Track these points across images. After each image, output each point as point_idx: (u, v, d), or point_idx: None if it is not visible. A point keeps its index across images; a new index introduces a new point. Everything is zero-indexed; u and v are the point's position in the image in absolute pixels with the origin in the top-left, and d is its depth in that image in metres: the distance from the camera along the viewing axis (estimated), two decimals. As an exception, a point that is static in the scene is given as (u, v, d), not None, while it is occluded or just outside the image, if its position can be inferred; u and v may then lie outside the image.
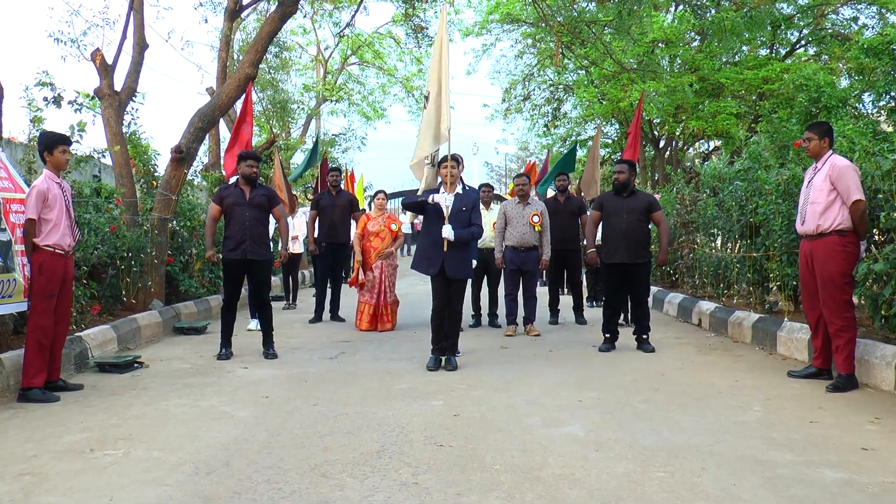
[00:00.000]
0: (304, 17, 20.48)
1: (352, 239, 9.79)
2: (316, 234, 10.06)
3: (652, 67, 15.02)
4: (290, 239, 7.72)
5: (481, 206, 8.86)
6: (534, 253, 8.69)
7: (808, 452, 3.97)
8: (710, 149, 24.32)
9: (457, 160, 6.63)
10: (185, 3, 22.93)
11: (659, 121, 18.38)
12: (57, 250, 5.47)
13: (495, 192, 9.13)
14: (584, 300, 10.29)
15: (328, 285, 9.96)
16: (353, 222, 10.16)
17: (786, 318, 7.31)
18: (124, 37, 9.80)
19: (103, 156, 9.22)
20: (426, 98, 7.12)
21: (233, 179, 7.84)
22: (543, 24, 14.24)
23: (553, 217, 9.11)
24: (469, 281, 7.14)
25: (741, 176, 8.85)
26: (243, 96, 10.06)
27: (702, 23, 13.92)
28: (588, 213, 9.15)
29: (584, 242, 8.46)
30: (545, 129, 26.14)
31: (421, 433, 4.28)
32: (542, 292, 9.53)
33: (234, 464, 3.78)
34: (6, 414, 4.90)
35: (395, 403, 5.10)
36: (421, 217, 6.97)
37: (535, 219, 8.59)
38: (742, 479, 3.54)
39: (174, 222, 10.04)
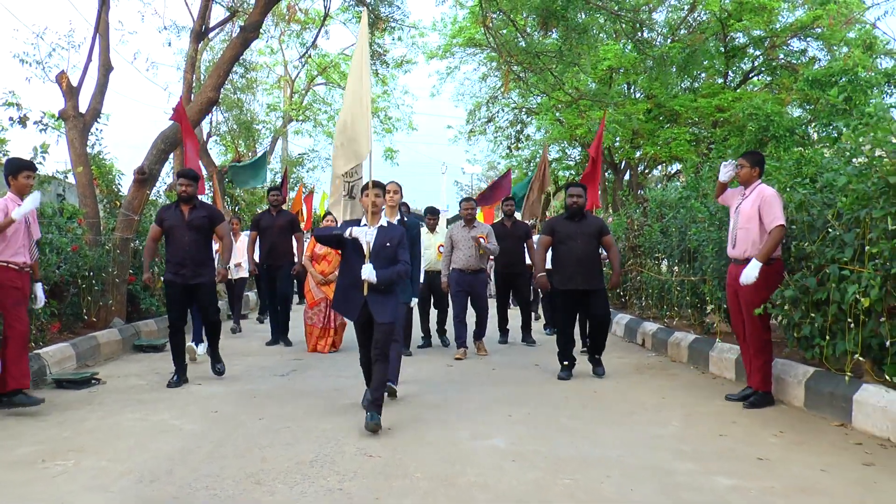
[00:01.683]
0: (271, 38, 20.90)
1: (296, 259, 9.87)
2: (256, 256, 9.98)
3: (602, 96, 15.52)
4: (231, 259, 7.48)
5: (424, 229, 9.09)
6: (481, 275, 8.93)
7: (709, 463, 4.35)
8: (674, 171, 24.96)
9: (382, 187, 5.78)
10: (150, 26, 23.17)
11: (617, 145, 18.89)
12: (11, 266, 5.73)
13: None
14: (534, 322, 10.54)
15: (278, 307, 9.78)
16: (294, 242, 10.09)
17: (718, 339, 7.71)
18: (89, 59, 10.06)
19: (66, 177, 9.46)
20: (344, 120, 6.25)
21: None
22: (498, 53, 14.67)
23: (500, 241, 9.33)
24: (416, 303, 7.00)
25: (682, 203, 9.30)
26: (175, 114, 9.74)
27: (642, 57, 14.46)
28: (535, 237, 9.56)
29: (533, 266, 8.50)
30: (508, 150, 26.59)
31: (354, 445, 4.61)
32: (492, 313, 9.72)
33: (176, 472, 4.08)
34: None
35: (336, 418, 5.42)
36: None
37: (482, 241, 8.76)
38: (641, 485, 3.91)
39: (136, 241, 10.27)
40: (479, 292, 8.93)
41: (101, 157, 10.61)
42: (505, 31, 11.14)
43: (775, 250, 5.85)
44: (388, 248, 5.51)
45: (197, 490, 3.77)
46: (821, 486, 3.92)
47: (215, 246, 8.07)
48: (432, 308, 9.67)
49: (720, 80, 19.91)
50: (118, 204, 10.33)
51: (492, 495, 3.71)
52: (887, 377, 5.10)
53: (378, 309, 5.41)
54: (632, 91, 19.70)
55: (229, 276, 10.26)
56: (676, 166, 24.13)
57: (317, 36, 14.96)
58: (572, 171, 24.66)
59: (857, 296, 5.06)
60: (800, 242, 5.98)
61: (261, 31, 10.73)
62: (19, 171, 5.90)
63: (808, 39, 18.75)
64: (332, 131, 26.22)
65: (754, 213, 5.92)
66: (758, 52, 20.01)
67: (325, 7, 12.92)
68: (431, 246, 9.31)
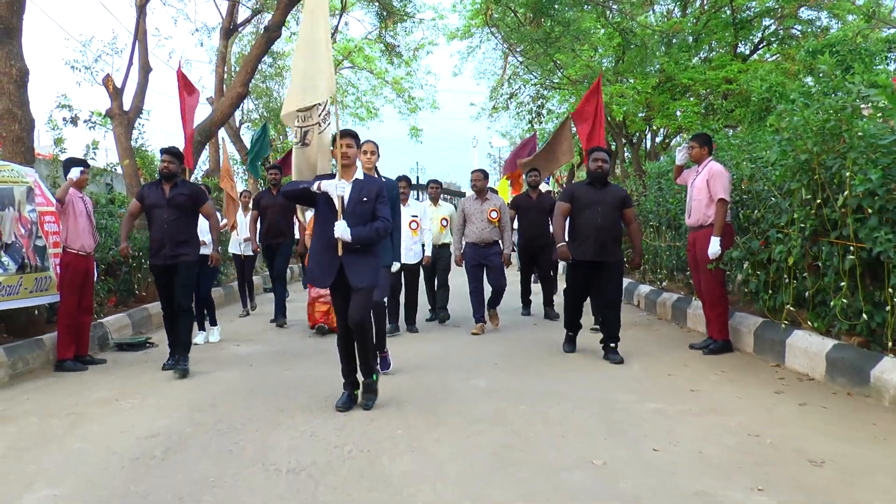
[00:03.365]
0: (297, 25, 21.88)
1: (297, 236, 10.03)
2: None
3: (606, 72, 16.24)
4: (219, 239, 7.18)
5: (427, 202, 9.26)
6: (495, 247, 8.61)
7: (648, 395, 5.32)
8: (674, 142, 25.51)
9: (354, 136, 5.07)
10: (183, 29, 24.30)
11: (627, 119, 19.55)
12: (80, 252, 6.91)
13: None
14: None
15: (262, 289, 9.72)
16: (297, 221, 9.95)
17: (694, 297, 8.60)
18: (130, 63, 11.21)
19: (115, 168, 10.63)
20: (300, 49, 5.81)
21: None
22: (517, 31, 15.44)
23: (524, 213, 9.46)
24: (397, 267, 6.51)
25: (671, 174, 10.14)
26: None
27: (625, 44, 15.08)
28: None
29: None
30: (529, 125, 27.30)
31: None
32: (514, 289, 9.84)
33: (219, 406, 5.21)
34: (50, 379, 6.40)
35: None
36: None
37: (494, 214, 8.54)
38: (582, 410, 4.92)
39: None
40: (496, 263, 8.60)
41: (143, 149, 11.78)
42: (507, 20, 11.98)
43: (724, 220, 6.74)
44: (364, 203, 4.92)
45: (235, 417, 4.88)
46: (729, 408, 4.88)
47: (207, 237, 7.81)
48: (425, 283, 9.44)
49: (729, 52, 20.44)
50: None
51: (462, 417, 4.76)
52: (809, 323, 6.02)
53: (355, 272, 4.86)
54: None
55: (239, 254, 10.68)
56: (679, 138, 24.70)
57: (336, 26, 15.90)
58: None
59: (783, 255, 5.98)
60: (748, 210, 6.88)
61: (284, 27, 11.71)
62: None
63: (818, 9, 19.18)
64: (360, 112, 27.31)
65: (703, 185, 6.82)
66: (768, 22, 20.48)
67: (342, 2, 13.87)
68: (434, 219, 9.15)
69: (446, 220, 9.27)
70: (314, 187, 4.86)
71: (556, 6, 10.20)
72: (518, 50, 12.22)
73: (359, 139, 5.14)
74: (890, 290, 5.00)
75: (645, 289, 10.55)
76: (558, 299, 9.33)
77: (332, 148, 5.29)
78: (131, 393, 5.72)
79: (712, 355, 6.77)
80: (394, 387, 5.69)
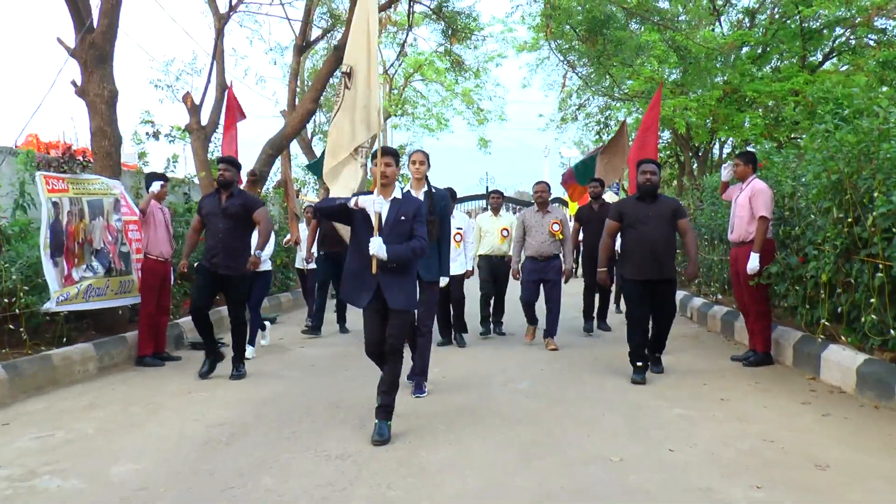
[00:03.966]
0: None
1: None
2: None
3: (672, 85, 16.39)
4: (265, 243, 6.93)
5: (487, 213, 9.26)
6: (555, 261, 8.33)
7: (678, 401, 5.62)
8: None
9: (394, 155, 4.96)
10: (258, 48, 25.34)
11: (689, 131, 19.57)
12: (159, 258, 7.58)
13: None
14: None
15: (329, 295, 9.79)
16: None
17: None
18: (209, 81, 12.01)
19: (193, 180, 11.39)
20: (347, 75, 5.97)
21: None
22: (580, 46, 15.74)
23: (587, 225, 9.41)
24: (445, 282, 6.38)
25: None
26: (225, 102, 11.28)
27: (682, 64, 15.23)
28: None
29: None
30: (597, 136, 27.42)
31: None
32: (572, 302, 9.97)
33: (281, 400, 5.78)
34: (132, 372, 7.09)
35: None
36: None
37: (556, 227, 8.29)
38: (611, 413, 5.27)
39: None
40: (554, 279, 8.31)
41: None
42: (565, 36, 12.36)
43: (765, 237, 6.94)
44: (403, 222, 4.78)
45: (293, 410, 5.42)
46: (753, 416, 5.15)
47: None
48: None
49: (798, 62, 20.25)
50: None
51: (498, 418, 5.17)
52: (843, 338, 6.21)
53: (392, 292, 4.73)
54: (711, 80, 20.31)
55: (302, 268, 10.72)
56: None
57: (403, 45, 16.53)
58: (661, 155, 25.37)
59: (818, 271, 6.20)
60: (789, 228, 7.09)
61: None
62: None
63: (894, 18, 18.88)
64: (429, 124, 27.90)
65: (746, 202, 7.05)
66: (840, 31, 20.21)
67: (409, 20, 14.46)
68: (494, 230, 9.03)
69: (507, 230, 9.02)
70: (351, 203, 4.70)
71: (607, 29, 10.50)
72: (576, 67, 12.56)
73: (398, 158, 5.01)
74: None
75: (698, 301, 10.73)
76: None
77: (372, 165, 5.20)
78: (202, 387, 6.34)
79: (752, 367, 6.97)
80: (441, 387, 6.14)
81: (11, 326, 6.54)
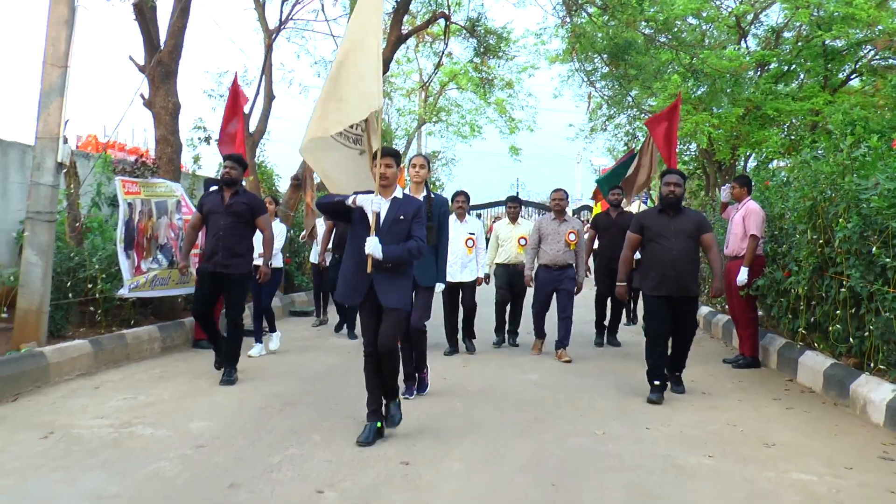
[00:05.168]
0: (408, 48, 23.63)
1: None
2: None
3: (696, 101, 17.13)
4: (271, 254, 7.06)
5: (505, 220, 9.17)
6: (569, 270, 8.28)
7: (665, 394, 6.45)
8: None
9: (394, 156, 4.91)
10: (304, 62, 26.44)
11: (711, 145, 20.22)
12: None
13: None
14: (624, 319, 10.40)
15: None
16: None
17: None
18: (257, 92, 13.03)
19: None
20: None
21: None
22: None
23: (603, 233, 9.35)
24: (442, 288, 6.40)
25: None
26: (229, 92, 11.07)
27: (705, 80, 16.02)
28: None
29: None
30: (626, 146, 28.07)
31: (433, 371, 7.03)
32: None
33: (323, 379, 6.77)
34: (190, 353, 8.20)
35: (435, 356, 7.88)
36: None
37: (572, 237, 8.27)
38: (606, 399, 6.17)
39: (291, 232, 13.11)
40: (567, 288, 8.26)
41: (264, 165, 13.58)
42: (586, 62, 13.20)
43: (754, 253, 7.75)
44: (401, 222, 4.78)
45: (336, 386, 6.43)
46: (726, 407, 6.01)
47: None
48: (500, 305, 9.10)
49: (820, 82, 20.81)
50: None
51: (506, 401, 6.10)
52: (817, 345, 7.03)
53: (385, 292, 4.75)
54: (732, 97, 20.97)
55: (318, 263, 10.53)
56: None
57: (440, 60, 17.45)
58: (687, 167, 26.01)
59: (795, 285, 7.03)
60: (776, 246, 7.92)
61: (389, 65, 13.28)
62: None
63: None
64: (463, 131, 28.73)
65: (740, 221, 7.89)
66: (865, 51, 20.72)
67: (445, 37, 15.40)
68: (511, 238, 8.92)
69: (524, 239, 8.79)
70: (349, 201, 4.72)
71: (628, 55, 11.31)
72: (600, 87, 13.45)
73: (399, 158, 4.96)
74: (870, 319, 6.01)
75: (705, 310, 11.51)
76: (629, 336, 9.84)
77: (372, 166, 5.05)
78: (249, 368, 7.30)
79: (740, 369, 7.79)
80: (460, 375, 7.07)
81: (92, 308, 7.60)
